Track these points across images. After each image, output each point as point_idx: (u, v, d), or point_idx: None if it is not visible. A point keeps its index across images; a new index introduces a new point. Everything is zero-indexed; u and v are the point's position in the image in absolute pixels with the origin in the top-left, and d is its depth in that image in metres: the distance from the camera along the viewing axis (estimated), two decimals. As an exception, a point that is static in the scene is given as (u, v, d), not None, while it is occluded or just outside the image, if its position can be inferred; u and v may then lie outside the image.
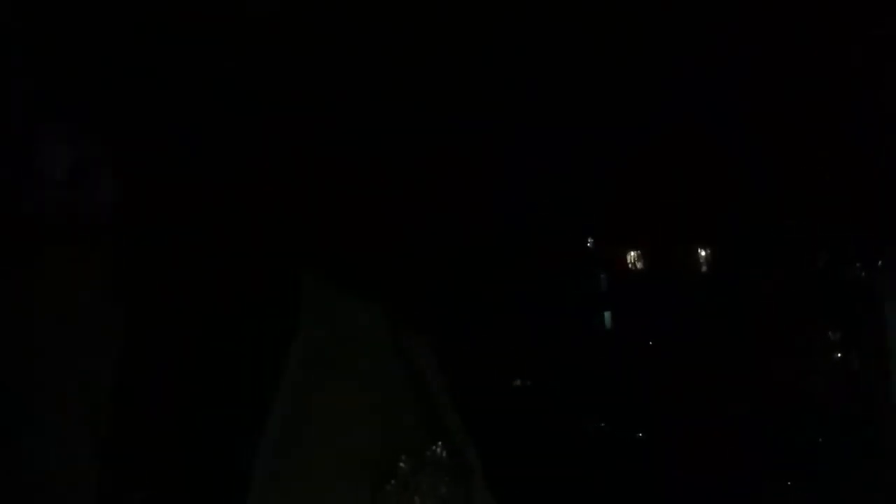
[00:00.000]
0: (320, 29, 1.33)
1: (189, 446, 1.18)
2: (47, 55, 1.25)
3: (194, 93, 1.23)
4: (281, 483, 1.18)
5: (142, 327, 1.22)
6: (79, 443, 1.15)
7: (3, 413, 1.15)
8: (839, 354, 8.58)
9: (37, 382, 1.16)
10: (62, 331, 1.20)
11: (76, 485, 1.14)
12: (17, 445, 1.14)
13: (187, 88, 1.23)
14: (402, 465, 1.26)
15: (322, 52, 1.32)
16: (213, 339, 1.24)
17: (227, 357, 1.23)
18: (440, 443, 1.30)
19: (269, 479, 1.18)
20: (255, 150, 1.22)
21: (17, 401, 1.15)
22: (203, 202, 1.20)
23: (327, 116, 1.32)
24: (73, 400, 1.16)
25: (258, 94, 1.26)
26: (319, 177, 1.29)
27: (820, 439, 7.43)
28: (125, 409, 1.17)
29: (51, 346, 1.19)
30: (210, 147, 1.21)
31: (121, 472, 1.14)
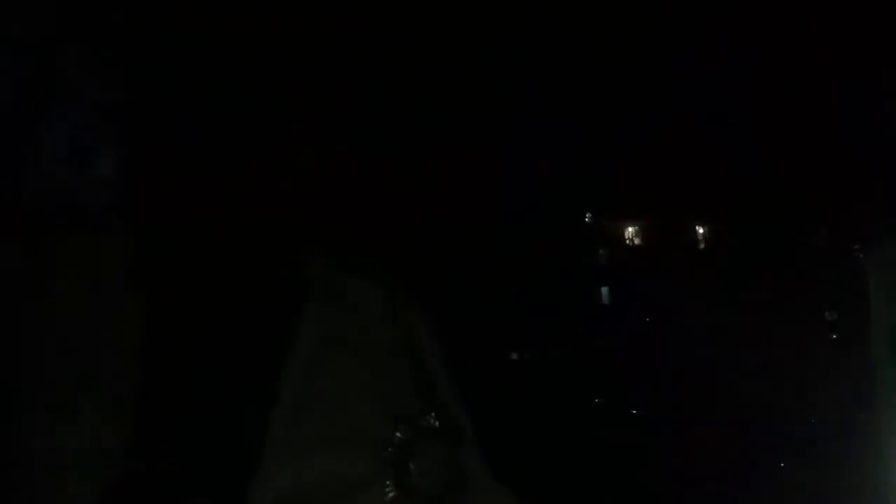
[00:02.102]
0: (328, 28, 1.34)
1: (208, 419, 1.19)
2: (57, 48, 1.26)
3: (203, 86, 1.25)
4: (291, 451, 1.19)
5: (157, 308, 1.22)
6: (97, 421, 1.15)
7: (21, 395, 1.15)
8: (834, 336, 8.57)
9: (59, 358, 1.17)
10: (83, 312, 1.20)
11: (94, 460, 1.14)
12: (34, 430, 1.14)
13: (196, 82, 1.26)
14: (398, 434, 1.25)
15: (330, 51, 1.34)
16: (227, 321, 1.24)
17: (241, 336, 1.24)
18: (434, 413, 1.29)
19: (280, 448, 1.19)
20: (268, 140, 1.25)
21: (38, 386, 1.16)
22: (216, 189, 1.24)
23: (335, 106, 1.35)
24: (93, 370, 1.17)
25: (267, 88, 1.28)
26: (327, 165, 1.32)
27: (813, 419, 7.40)
28: (142, 389, 1.17)
29: (72, 325, 1.19)
30: (223, 137, 1.24)
31: (138, 447, 1.15)
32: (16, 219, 1.21)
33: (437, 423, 1.29)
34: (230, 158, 1.21)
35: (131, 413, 1.15)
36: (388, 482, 1.23)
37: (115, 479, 1.12)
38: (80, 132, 1.22)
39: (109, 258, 1.24)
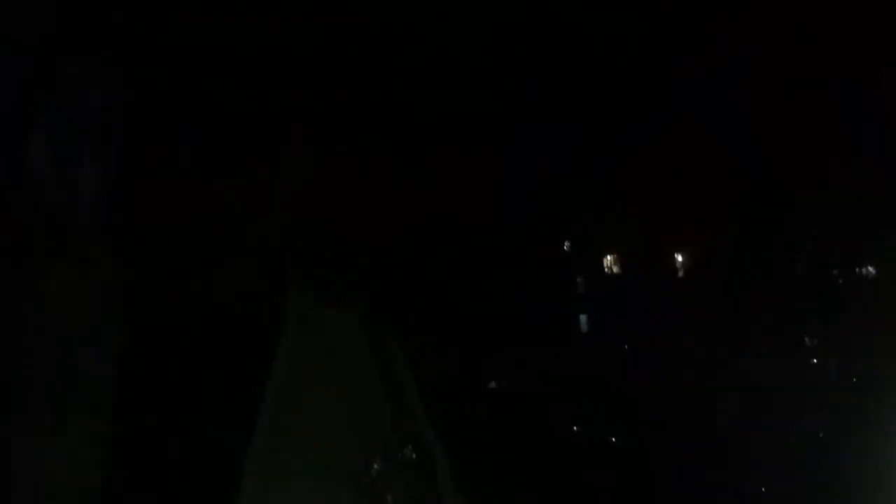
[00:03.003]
0: (321, 29, 1.32)
1: (181, 448, 1.16)
2: (45, 56, 1.24)
3: (190, 94, 1.23)
4: (267, 481, 1.17)
5: (135, 337, 1.20)
6: (76, 442, 1.12)
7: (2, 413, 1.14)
8: (815, 360, 8.58)
9: (36, 382, 1.15)
10: (60, 333, 1.18)
11: (72, 481, 1.11)
12: (17, 446, 1.12)
13: (183, 90, 1.23)
14: (376, 466, 1.24)
15: (321, 53, 1.31)
16: (204, 348, 1.22)
17: (217, 365, 1.21)
18: (411, 445, 1.29)
19: (256, 478, 1.17)
20: (247, 157, 1.23)
21: (18, 401, 1.14)
22: (194, 212, 1.20)
23: (322, 126, 1.32)
24: (71, 400, 1.14)
25: (256, 95, 1.26)
26: (305, 188, 1.30)
27: (799, 440, 7.41)
28: (118, 412, 1.14)
29: (49, 347, 1.17)
30: (203, 154, 1.22)
31: (114, 472, 1.12)
32: (7, 227, 1.18)
33: (414, 455, 1.28)
34: (225, 166, 1.18)
35: (109, 440, 1.12)
36: None
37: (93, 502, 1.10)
38: (74, 140, 1.19)
39: (93, 277, 1.22)
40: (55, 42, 1.25)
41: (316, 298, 1.39)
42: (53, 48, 1.24)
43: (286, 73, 1.29)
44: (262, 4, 1.30)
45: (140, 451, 1.16)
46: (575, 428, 8.69)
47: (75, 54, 1.24)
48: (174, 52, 1.24)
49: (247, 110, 1.25)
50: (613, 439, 8.33)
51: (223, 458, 1.19)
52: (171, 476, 1.17)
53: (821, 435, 7.38)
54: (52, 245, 1.25)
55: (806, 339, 8.60)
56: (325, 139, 1.37)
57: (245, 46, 1.26)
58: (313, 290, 1.37)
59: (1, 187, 1.25)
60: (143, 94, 1.25)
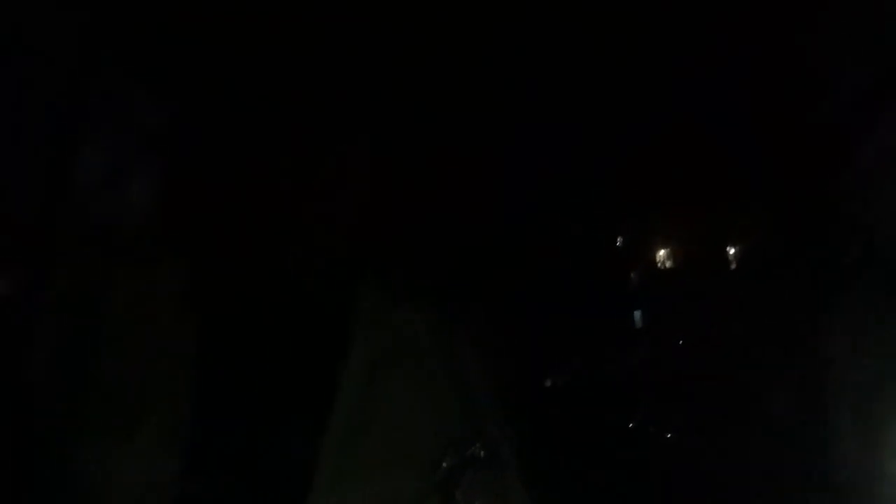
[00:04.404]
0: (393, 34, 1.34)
1: (262, 443, 1.24)
2: (87, 63, 1.27)
3: (249, 106, 1.30)
4: (344, 473, 1.25)
5: (210, 336, 1.27)
6: (152, 442, 1.20)
7: (73, 414, 1.21)
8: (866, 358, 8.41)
9: (111, 384, 1.23)
10: (131, 335, 1.26)
11: (150, 483, 1.20)
12: (92, 455, 1.21)
13: (240, 102, 1.30)
14: (445, 462, 1.31)
15: (391, 56, 1.34)
16: (279, 346, 1.29)
17: (293, 361, 1.29)
18: (479, 443, 1.34)
19: (333, 470, 1.24)
20: (315, 158, 1.27)
21: (93, 403, 1.21)
22: (265, 214, 1.28)
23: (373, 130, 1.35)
24: (145, 400, 1.22)
25: (322, 96, 1.32)
26: (371, 191, 1.33)
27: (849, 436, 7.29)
28: (196, 414, 1.23)
29: (122, 348, 1.25)
30: (273, 155, 1.29)
31: (194, 471, 1.20)
32: (66, 243, 1.31)
33: (482, 453, 1.34)
34: (278, 178, 1.27)
35: (187, 437, 1.20)
36: None
37: (170, 502, 1.18)
38: (124, 155, 1.22)
39: (162, 282, 1.28)
40: (104, 66, 1.26)
41: (388, 298, 1.40)
42: (104, 72, 1.26)
43: (353, 74, 1.31)
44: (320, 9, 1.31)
45: (215, 448, 1.19)
46: (630, 424, 8.62)
47: (131, 63, 1.25)
48: (222, 65, 1.26)
49: (312, 111, 1.26)
50: (669, 435, 8.26)
51: (298, 452, 1.23)
52: (249, 470, 1.20)
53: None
54: (121, 250, 1.26)
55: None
56: (395, 140, 1.39)
57: (314, 48, 1.27)
58: (385, 290, 1.37)
59: (64, 209, 1.27)
60: (194, 110, 1.26)
